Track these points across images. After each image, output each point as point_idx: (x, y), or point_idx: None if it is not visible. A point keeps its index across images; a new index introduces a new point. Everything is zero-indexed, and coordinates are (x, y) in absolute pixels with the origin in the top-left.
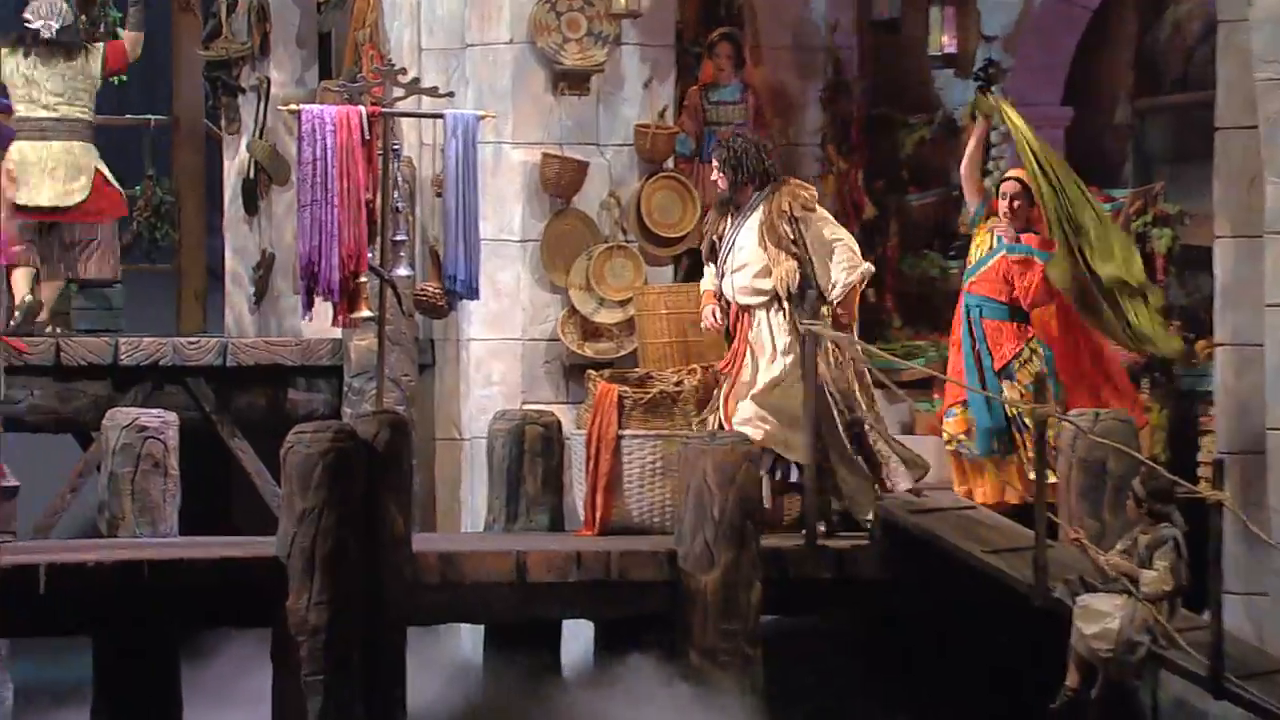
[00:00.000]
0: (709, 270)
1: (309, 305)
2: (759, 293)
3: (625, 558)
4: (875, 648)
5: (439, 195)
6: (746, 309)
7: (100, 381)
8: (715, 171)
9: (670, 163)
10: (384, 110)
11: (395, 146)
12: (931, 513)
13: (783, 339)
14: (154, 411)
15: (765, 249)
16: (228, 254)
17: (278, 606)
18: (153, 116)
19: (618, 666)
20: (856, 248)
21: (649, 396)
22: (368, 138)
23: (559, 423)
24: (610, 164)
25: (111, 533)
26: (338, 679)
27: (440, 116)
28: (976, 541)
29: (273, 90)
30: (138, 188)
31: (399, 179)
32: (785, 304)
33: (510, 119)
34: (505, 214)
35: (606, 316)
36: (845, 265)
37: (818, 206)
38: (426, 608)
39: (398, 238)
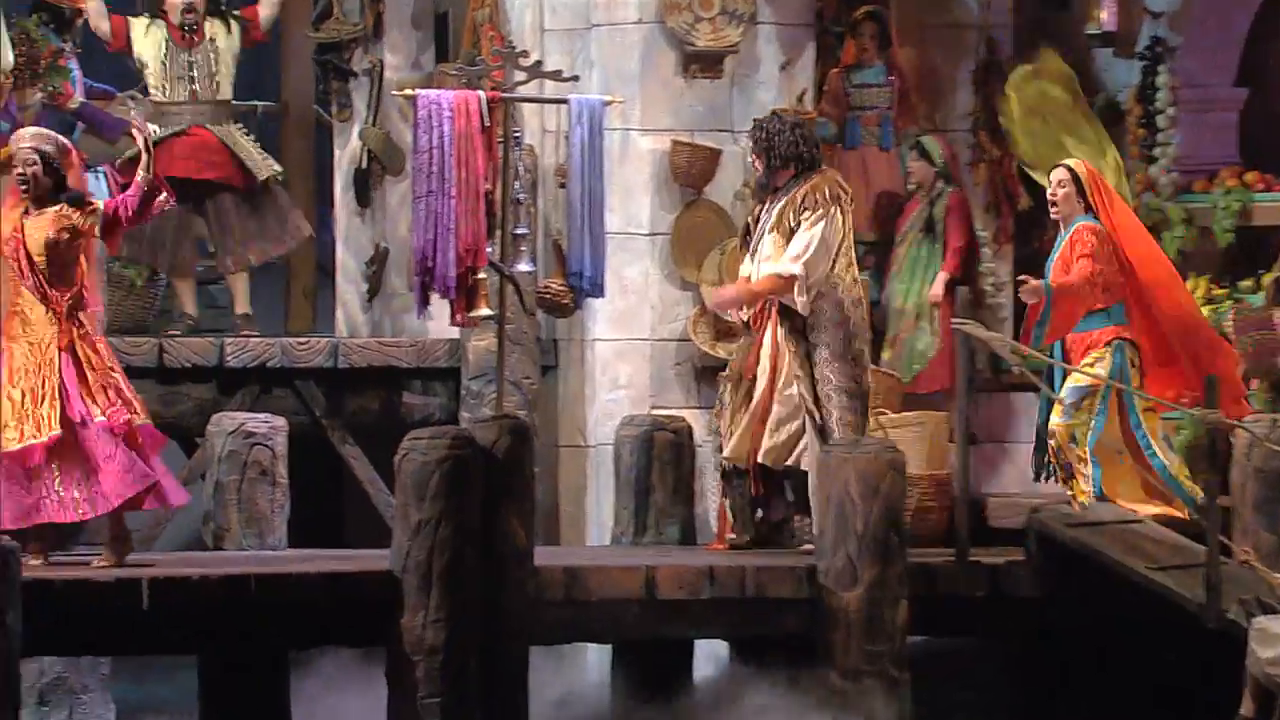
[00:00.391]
0: (746, 258)
1: (424, 303)
2: None
3: (762, 573)
4: (1029, 662)
5: (562, 186)
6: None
7: (205, 384)
8: (749, 153)
9: None
10: (504, 95)
11: (516, 134)
12: (1090, 526)
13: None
14: (261, 416)
15: (775, 238)
16: (339, 249)
17: (392, 624)
18: (259, 103)
19: (753, 689)
20: (801, 263)
21: None
22: (487, 124)
23: (690, 428)
24: (745, 152)
25: (217, 545)
26: (455, 701)
27: (564, 102)
28: (1141, 557)
29: (386, 74)
30: None
31: (520, 168)
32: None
33: (638, 104)
34: (633, 205)
35: (741, 315)
36: (775, 262)
37: (831, 209)
38: (550, 626)
39: (519, 231)
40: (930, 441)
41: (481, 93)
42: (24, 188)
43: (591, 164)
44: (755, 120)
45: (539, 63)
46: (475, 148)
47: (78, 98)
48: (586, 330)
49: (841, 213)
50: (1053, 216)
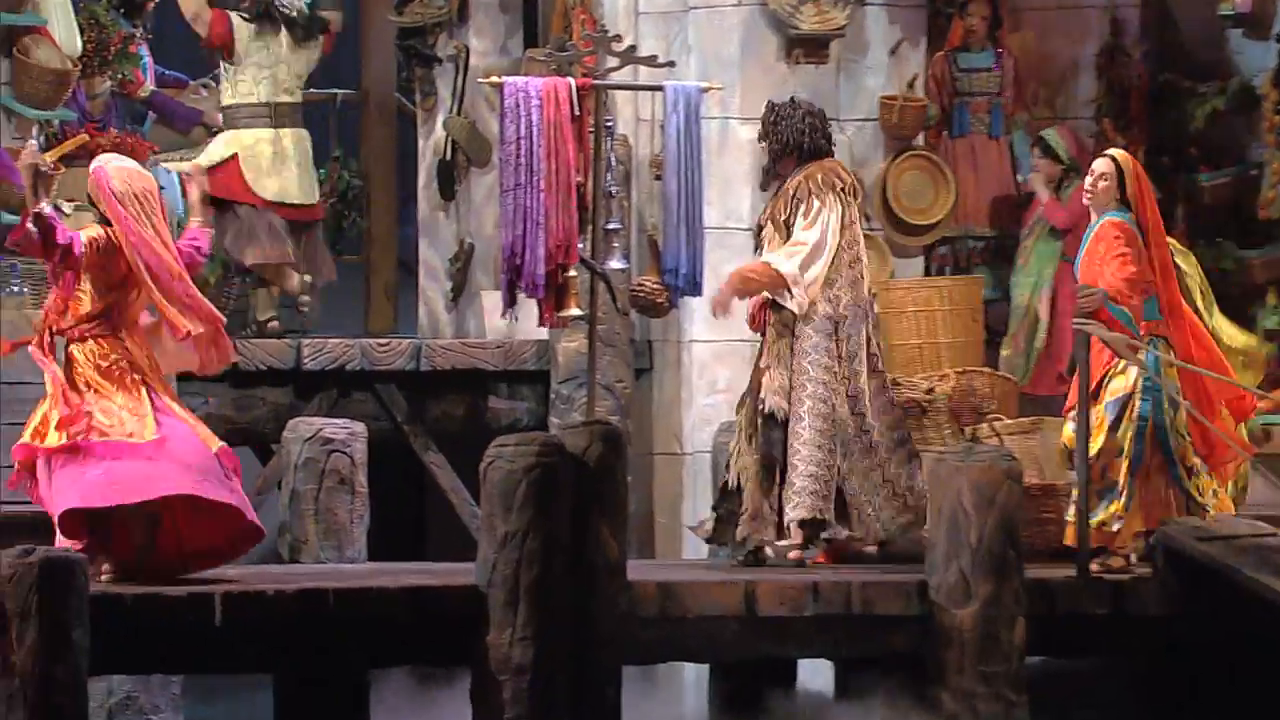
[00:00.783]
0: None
1: (512, 302)
2: None
3: (868, 589)
4: (1155, 681)
5: (658, 178)
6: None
7: (281, 388)
8: (760, 138)
9: (920, 139)
10: (596, 82)
11: (609, 123)
12: (1221, 540)
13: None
14: (340, 422)
15: (770, 231)
16: (422, 245)
17: (477, 641)
18: (339, 91)
19: (860, 712)
20: (797, 261)
21: None
22: (578, 113)
23: None
24: (851, 141)
25: (293, 558)
26: None
27: (659, 89)
28: (1275, 572)
29: (472, 61)
30: (322, 171)
31: (613, 159)
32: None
33: (738, 91)
34: (732, 198)
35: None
36: (784, 253)
37: (828, 198)
38: (643, 643)
39: (611, 226)
40: (1048, 448)
41: (572, 80)
42: None
43: (688, 154)
44: (769, 102)
45: (633, 48)
46: (565, 138)
47: (148, 86)
48: (683, 331)
49: (840, 202)
50: (1084, 202)
